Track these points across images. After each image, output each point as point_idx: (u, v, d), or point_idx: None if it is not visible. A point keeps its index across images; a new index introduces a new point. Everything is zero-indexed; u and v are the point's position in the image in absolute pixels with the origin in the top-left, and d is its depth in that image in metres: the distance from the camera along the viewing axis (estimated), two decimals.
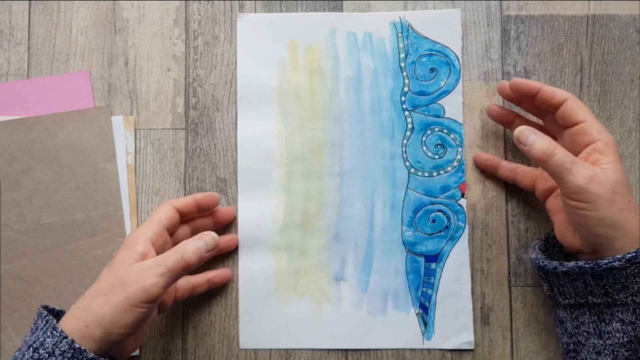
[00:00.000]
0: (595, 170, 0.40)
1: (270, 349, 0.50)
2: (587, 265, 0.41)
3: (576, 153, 0.43)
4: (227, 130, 0.52)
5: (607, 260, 0.40)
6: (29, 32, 0.52)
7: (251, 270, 0.50)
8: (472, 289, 0.50)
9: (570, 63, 0.52)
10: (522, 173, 0.49)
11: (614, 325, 0.42)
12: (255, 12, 0.52)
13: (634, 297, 0.41)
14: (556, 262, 0.43)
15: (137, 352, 0.50)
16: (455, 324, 0.49)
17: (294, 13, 0.52)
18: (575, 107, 0.43)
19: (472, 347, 0.49)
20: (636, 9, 0.52)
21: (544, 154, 0.41)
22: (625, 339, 0.41)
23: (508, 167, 0.49)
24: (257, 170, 0.51)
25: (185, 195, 0.51)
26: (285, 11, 0.52)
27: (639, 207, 0.42)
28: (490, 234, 0.51)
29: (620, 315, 0.42)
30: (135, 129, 0.52)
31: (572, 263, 0.42)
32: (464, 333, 0.49)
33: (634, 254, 0.39)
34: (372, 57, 0.51)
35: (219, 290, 0.50)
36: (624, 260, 0.40)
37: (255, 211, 0.50)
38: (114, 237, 0.50)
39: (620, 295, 0.41)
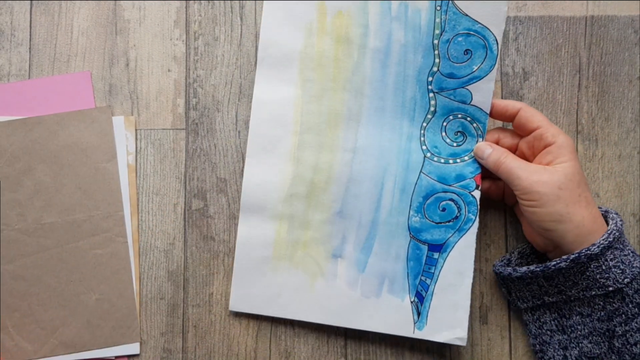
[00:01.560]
0: (540, 171, 0.44)
1: (263, 323, 0.50)
2: (538, 269, 0.44)
3: (534, 157, 0.46)
4: (227, 131, 0.52)
5: (554, 262, 0.43)
6: (30, 32, 0.52)
7: (250, 234, 0.49)
8: (472, 286, 0.50)
9: (568, 64, 0.52)
10: (494, 187, 0.50)
11: (574, 318, 0.45)
12: (255, 11, 0.52)
13: (584, 292, 0.44)
14: (510, 268, 0.47)
15: (137, 351, 0.50)
16: (449, 318, 0.47)
17: None
18: (528, 116, 0.46)
19: (464, 344, 0.47)
20: (634, 9, 0.52)
21: (495, 163, 0.46)
22: (586, 330, 0.45)
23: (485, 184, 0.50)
24: (268, 135, 0.49)
25: (185, 194, 0.51)
26: None
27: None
28: (489, 234, 0.51)
29: (578, 309, 0.45)
30: (136, 129, 0.52)
31: (525, 268, 0.45)
32: (457, 328, 0.47)
33: (577, 254, 0.42)
34: (404, 29, 0.47)
35: (220, 290, 0.51)
36: (569, 260, 0.43)
37: (261, 177, 0.49)
38: (114, 237, 0.50)
39: (573, 291, 0.44)
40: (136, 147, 0.52)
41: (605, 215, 0.46)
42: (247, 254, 0.49)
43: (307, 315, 0.49)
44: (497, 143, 0.48)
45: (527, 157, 0.47)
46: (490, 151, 0.46)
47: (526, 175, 0.44)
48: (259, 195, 0.49)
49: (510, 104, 0.47)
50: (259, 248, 0.49)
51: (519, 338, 0.50)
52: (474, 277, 0.50)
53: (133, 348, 0.50)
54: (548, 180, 0.43)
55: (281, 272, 0.49)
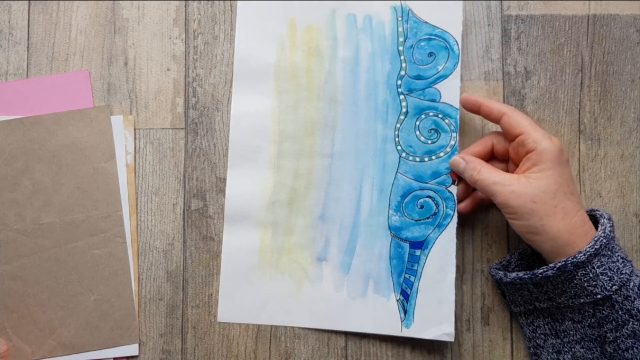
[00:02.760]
0: (514, 183, 0.43)
1: (249, 324, 0.50)
2: (526, 276, 0.44)
3: (519, 163, 0.46)
4: (226, 130, 0.51)
5: (541, 270, 0.43)
6: (28, 31, 0.52)
7: (235, 244, 0.50)
8: (472, 289, 0.50)
9: (570, 63, 0.52)
10: (473, 202, 0.50)
11: (566, 324, 0.45)
12: None
13: (573, 300, 0.43)
14: (501, 272, 0.47)
15: (136, 352, 0.50)
16: (435, 314, 0.48)
17: None
18: (512, 121, 0.45)
19: (452, 339, 0.48)
20: (637, 8, 0.52)
21: (470, 179, 0.46)
22: (578, 335, 0.44)
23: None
24: (248, 145, 0.51)
25: (184, 194, 0.51)
26: None
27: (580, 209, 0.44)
28: (491, 234, 0.51)
29: (569, 315, 0.45)
30: (134, 129, 0.51)
31: (514, 274, 0.45)
32: (444, 324, 0.48)
33: (563, 262, 0.42)
34: (370, 39, 0.50)
35: (219, 291, 0.50)
36: (555, 269, 0.42)
37: (243, 186, 0.50)
38: (113, 237, 0.50)
39: (562, 298, 0.44)
40: (135, 147, 0.51)
41: (598, 220, 0.45)
42: (233, 264, 0.50)
43: (296, 321, 0.50)
44: (492, 149, 0.48)
45: (515, 162, 0.47)
46: (464, 165, 0.46)
47: (501, 189, 0.43)
48: (242, 204, 0.50)
49: (496, 108, 0.46)
50: (245, 257, 0.50)
51: (520, 339, 0.50)
52: (476, 279, 0.50)
53: (132, 349, 0.50)
54: (521, 194, 0.43)
55: (267, 279, 0.50)
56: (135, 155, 0.51)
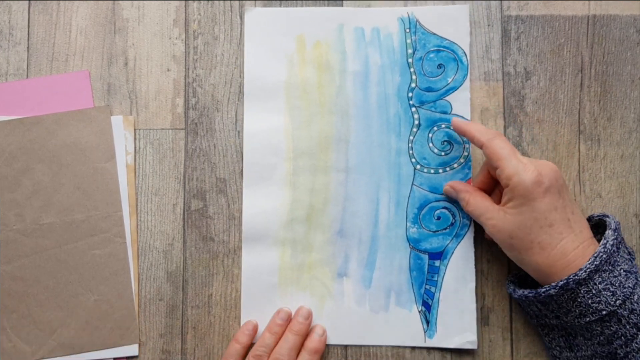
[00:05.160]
0: (496, 217, 0.44)
1: None
2: (531, 294, 0.44)
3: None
4: (226, 131, 0.51)
5: (544, 289, 0.43)
6: (28, 31, 0.52)
7: (254, 264, 0.50)
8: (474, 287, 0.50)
9: (570, 63, 0.52)
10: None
11: (578, 339, 0.45)
12: None
13: (578, 320, 0.43)
14: (512, 287, 0.47)
15: (136, 353, 0.50)
16: (458, 323, 0.49)
17: (301, 8, 0.51)
18: (489, 154, 0.44)
19: (475, 347, 0.49)
20: (636, 9, 0.52)
21: (465, 211, 0.47)
22: (590, 352, 0.44)
23: None
24: (262, 164, 0.51)
25: (184, 195, 0.51)
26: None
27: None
28: None
29: (580, 331, 0.44)
30: (134, 129, 0.51)
31: (520, 291, 0.45)
32: (467, 332, 0.49)
33: (565, 281, 0.42)
34: (379, 52, 0.51)
35: (219, 291, 0.50)
36: (558, 287, 0.42)
37: (260, 205, 0.50)
38: (113, 237, 0.50)
39: (568, 317, 0.44)
40: (135, 147, 0.51)
41: (606, 226, 0.44)
42: (253, 283, 0.50)
43: None
44: (489, 174, 0.47)
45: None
46: (456, 194, 0.48)
47: (485, 222, 0.45)
48: (260, 223, 0.50)
49: (476, 138, 0.45)
50: (265, 276, 0.50)
51: (520, 339, 0.50)
52: (477, 279, 0.50)
53: (132, 349, 0.50)
54: (501, 229, 0.44)
55: (289, 297, 0.50)
56: (135, 156, 0.51)
